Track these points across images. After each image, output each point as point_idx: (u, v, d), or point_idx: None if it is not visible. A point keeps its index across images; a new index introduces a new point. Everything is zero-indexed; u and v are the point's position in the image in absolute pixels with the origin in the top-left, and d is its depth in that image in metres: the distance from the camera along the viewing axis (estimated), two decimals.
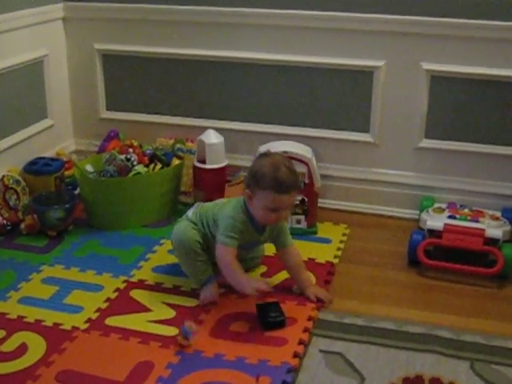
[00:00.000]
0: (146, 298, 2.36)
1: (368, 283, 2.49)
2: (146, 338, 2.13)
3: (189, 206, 2.99)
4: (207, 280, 2.34)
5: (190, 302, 2.33)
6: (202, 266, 2.33)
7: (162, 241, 2.77)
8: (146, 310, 2.29)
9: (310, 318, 2.23)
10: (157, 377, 1.94)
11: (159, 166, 2.95)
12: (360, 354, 2.06)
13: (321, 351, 2.07)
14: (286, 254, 2.39)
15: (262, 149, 2.81)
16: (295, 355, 2.04)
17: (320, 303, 2.32)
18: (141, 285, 2.44)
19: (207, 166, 2.90)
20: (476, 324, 2.25)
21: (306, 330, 2.17)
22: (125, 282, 2.46)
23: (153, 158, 2.99)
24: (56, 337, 2.13)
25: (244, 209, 2.27)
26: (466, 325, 2.24)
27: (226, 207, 2.32)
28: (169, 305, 2.31)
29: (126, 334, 2.15)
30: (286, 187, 2.15)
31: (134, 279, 2.48)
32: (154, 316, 2.25)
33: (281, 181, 2.14)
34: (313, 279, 2.45)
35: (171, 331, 2.16)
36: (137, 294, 2.38)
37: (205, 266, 2.34)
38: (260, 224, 2.29)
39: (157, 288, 2.42)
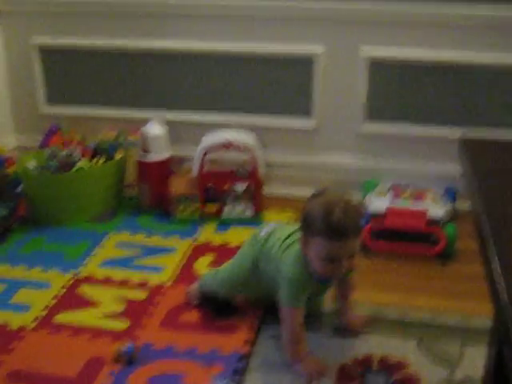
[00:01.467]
0: (95, 293, 2.34)
1: None
2: (96, 333, 2.12)
3: (134, 199, 3.01)
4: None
5: (138, 295, 2.32)
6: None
7: (108, 234, 2.75)
8: (95, 305, 2.27)
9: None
10: (109, 371, 1.94)
11: (103, 159, 2.92)
12: (310, 338, 2.09)
13: (272, 337, 2.09)
14: (343, 283, 2.11)
15: (206, 139, 2.82)
16: (246, 343, 2.06)
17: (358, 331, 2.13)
18: (89, 280, 2.42)
19: (151, 158, 2.89)
20: (422, 302, 2.31)
21: (256, 317, 2.19)
22: (72, 278, 2.44)
23: (96, 152, 2.97)
24: (3, 337, 2.11)
25: (303, 262, 1.92)
26: (412, 303, 2.29)
27: (287, 259, 1.96)
28: (118, 299, 2.30)
29: (75, 330, 2.13)
30: (341, 233, 1.78)
31: (81, 275, 2.46)
32: (104, 311, 2.24)
33: (334, 225, 1.77)
34: None
35: (121, 325, 2.15)
36: (85, 290, 2.36)
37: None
38: (321, 276, 1.94)
39: (105, 282, 2.41)
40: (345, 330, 2.12)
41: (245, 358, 1.99)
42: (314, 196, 1.90)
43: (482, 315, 2.14)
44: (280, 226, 2.15)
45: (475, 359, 1.96)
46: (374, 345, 2.06)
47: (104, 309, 2.25)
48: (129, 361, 1.97)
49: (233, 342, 2.06)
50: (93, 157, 2.94)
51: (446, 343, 2.08)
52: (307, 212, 1.85)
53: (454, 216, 2.76)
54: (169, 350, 2.03)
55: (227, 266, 2.21)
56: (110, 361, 1.98)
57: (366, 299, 2.30)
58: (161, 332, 2.12)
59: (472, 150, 1.13)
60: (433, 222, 2.61)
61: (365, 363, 1.98)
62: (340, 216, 1.77)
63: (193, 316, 2.20)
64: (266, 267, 2.05)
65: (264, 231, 2.12)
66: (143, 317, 2.20)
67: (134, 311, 2.23)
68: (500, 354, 1.17)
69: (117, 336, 2.09)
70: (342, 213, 1.77)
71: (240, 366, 1.95)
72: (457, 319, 2.20)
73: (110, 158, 2.95)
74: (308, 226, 1.84)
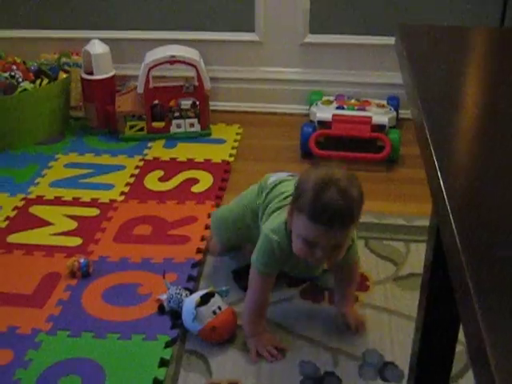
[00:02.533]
0: (46, 212, 2.35)
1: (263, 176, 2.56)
2: (50, 250, 2.14)
3: (80, 120, 2.99)
4: None
5: (90, 212, 2.34)
6: None
7: (56, 156, 2.74)
8: (48, 224, 2.29)
9: (210, 216, 2.28)
10: (65, 286, 1.97)
11: (46, 81, 2.88)
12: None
13: None
14: (345, 269, 1.81)
15: (150, 55, 2.80)
16: (198, 251, 2.10)
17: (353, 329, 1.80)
18: (39, 200, 2.43)
19: (95, 77, 2.86)
20: (368, 206, 2.33)
21: (207, 227, 2.23)
22: (23, 199, 2.44)
23: (38, 74, 2.92)
24: None
25: (287, 231, 1.66)
26: None
27: (275, 220, 1.73)
28: (70, 217, 2.32)
29: (29, 249, 2.15)
30: (327, 217, 1.48)
31: (32, 196, 2.46)
32: (56, 229, 2.26)
33: (321, 206, 1.48)
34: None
35: (75, 241, 2.18)
36: (36, 210, 2.37)
37: None
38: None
39: (56, 202, 2.42)
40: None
41: (198, 265, 2.04)
42: (313, 166, 1.70)
43: (425, 216, 2.21)
44: (289, 178, 1.90)
45: (419, 256, 2.04)
46: None
47: (57, 227, 2.27)
48: (84, 274, 2.00)
49: (186, 251, 2.10)
50: (35, 79, 2.89)
51: (392, 242, 2.16)
52: (300, 181, 1.57)
53: (398, 123, 2.82)
54: (123, 262, 2.07)
55: (231, 205, 2.05)
56: (65, 276, 2.01)
57: None
58: (115, 246, 2.15)
59: (408, 35, 1.15)
60: (377, 129, 2.67)
61: None
62: (333, 197, 1.47)
63: (146, 229, 2.23)
64: (262, 219, 1.85)
65: (273, 179, 1.92)
66: (96, 232, 2.22)
67: (87, 227, 2.25)
68: (437, 249, 1.24)
69: (71, 252, 2.11)
70: (336, 194, 1.47)
71: (194, 273, 2.00)
72: (401, 220, 2.28)
73: (53, 79, 2.91)
74: (296, 197, 1.56)
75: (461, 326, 1.30)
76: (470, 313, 0.60)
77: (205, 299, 1.75)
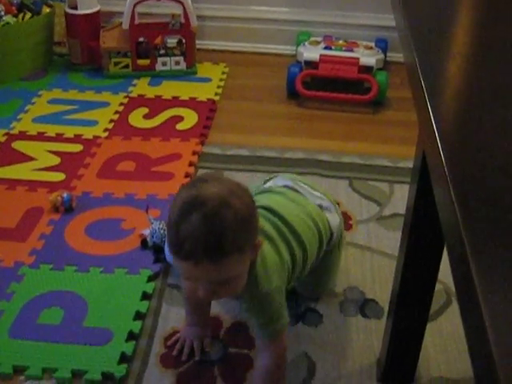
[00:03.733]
0: (29, 148, 2.32)
1: (249, 117, 2.55)
2: (33, 185, 2.12)
3: (64, 56, 2.94)
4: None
5: (74, 148, 2.32)
6: None
7: (40, 92, 2.70)
8: (30, 159, 2.26)
9: (194, 153, 2.27)
10: (47, 220, 1.96)
11: (29, 15, 2.82)
12: (245, 182, 2.12)
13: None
14: (260, 350, 1.43)
15: None
16: None
17: None
18: (22, 136, 2.40)
19: (79, 12, 2.80)
20: (353, 147, 2.37)
21: (191, 164, 2.22)
22: (5, 134, 2.40)
23: (21, 8, 2.86)
24: None
25: None
26: (344, 148, 2.35)
27: None
28: (53, 152, 2.29)
29: (11, 184, 2.13)
30: (187, 251, 1.16)
31: (14, 131, 2.43)
32: (39, 164, 2.23)
33: (179, 237, 1.16)
34: None
35: (58, 177, 2.16)
36: (19, 146, 2.34)
37: None
38: None
39: (39, 137, 2.39)
40: None
41: None
42: (194, 181, 1.40)
43: (410, 158, 2.21)
44: (281, 190, 1.59)
45: (403, 197, 2.04)
46: None
47: (39, 163, 2.24)
48: (67, 209, 1.99)
49: (169, 187, 2.09)
50: (18, 13, 2.83)
51: (377, 183, 2.17)
52: (171, 204, 1.23)
53: (385, 66, 2.80)
54: (107, 198, 2.06)
55: None
56: (48, 210, 2.00)
57: (299, 146, 2.35)
58: (98, 181, 2.14)
59: None
60: (365, 70, 2.65)
61: None
62: (193, 225, 1.14)
63: (130, 165, 2.22)
64: None
65: (267, 185, 1.64)
66: (79, 168, 2.21)
67: (70, 163, 2.23)
68: (420, 190, 1.24)
69: (54, 187, 2.09)
70: (198, 221, 1.14)
71: None
72: (386, 161, 2.28)
73: (36, 13, 2.85)
74: (167, 224, 1.23)
75: (440, 266, 1.32)
76: (456, 236, 0.60)
77: None
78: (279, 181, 1.64)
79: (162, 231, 1.82)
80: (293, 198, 1.57)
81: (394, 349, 1.46)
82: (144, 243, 1.85)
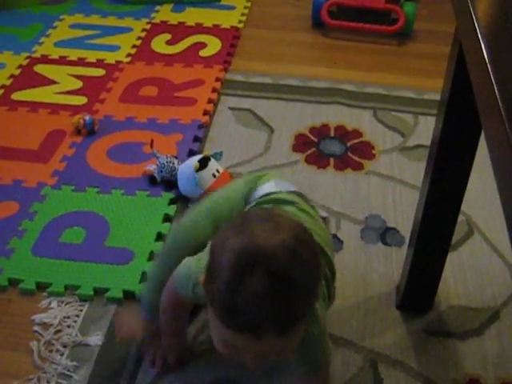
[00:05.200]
0: (51, 71, 2.31)
1: (274, 45, 2.51)
2: (55, 108, 2.11)
3: None
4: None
5: (96, 73, 2.30)
6: None
7: (61, 17, 2.67)
8: (53, 82, 2.25)
9: (217, 79, 2.25)
10: (70, 143, 1.96)
11: None
12: (268, 109, 2.12)
13: (230, 108, 2.13)
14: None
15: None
16: (205, 113, 2.09)
17: None
18: (44, 60, 2.38)
19: None
20: (378, 78, 2.33)
21: (214, 90, 2.20)
22: (27, 58, 2.39)
23: None
24: None
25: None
26: (369, 79, 2.32)
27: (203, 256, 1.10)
28: (75, 76, 2.28)
29: (34, 106, 2.13)
30: (249, 324, 0.90)
31: (36, 55, 2.41)
32: (61, 88, 2.22)
33: (237, 306, 0.89)
34: None
35: (80, 100, 2.15)
36: (41, 69, 2.33)
37: None
38: None
39: (61, 61, 2.37)
40: None
41: (204, 126, 2.03)
42: (242, 223, 0.96)
43: (435, 90, 2.18)
44: (287, 198, 1.25)
45: (427, 129, 2.02)
46: (330, 114, 2.11)
47: (62, 86, 2.23)
48: (89, 132, 1.98)
49: (192, 112, 2.08)
50: None
51: (401, 114, 2.14)
52: (213, 248, 0.96)
53: None
54: (129, 122, 2.05)
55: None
56: (70, 133, 2.00)
57: (323, 75, 2.32)
58: (120, 105, 2.13)
59: None
60: (392, 0, 2.59)
61: (321, 131, 2.03)
62: (256, 291, 0.87)
63: (152, 90, 2.20)
64: None
65: (262, 190, 1.28)
66: (102, 92, 2.19)
67: (93, 87, 2.22)
68: (446, 123, 1.23)
69: (76, 110, 2.09)
70: (263, 285, 0.87)
71: (200, 134, 1.99)
72: (411, 93, 2.24)
73: None
74: (209, 274, 0.95)
75: (464, 197, 1.31)
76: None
77: (203, 163, 1.72)
78: (281, 184, 1.30)
79: (171, 164, 1.78)
80: (314, 214, 1.28)
81: (413, 277, 1.46)
82: (152, 179, 1.80)
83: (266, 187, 1.27)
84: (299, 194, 1.29)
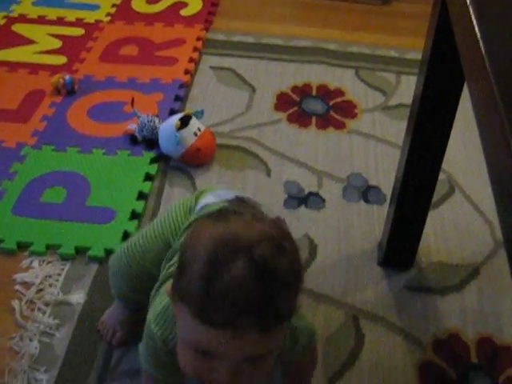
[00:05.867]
0: (30, 31, 2.27)
1: (256, 4, 2.49)
2: (34, 68, 2.09)
3: None
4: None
5: (75, 32, 2.27)
6: None
7: None
8: (31, 42, 2.22)
9: (198, 38, 2.23)
10: (49, 102, 1.94)
11: None
12: (250, 69, 2.11)
13: (211, 68, 2.11)
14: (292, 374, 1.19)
15: None
16: (186, 72, 2.07)
17: None
18: (22, 19, 2.34)
19: None
20: (361, 37, 2.32)
21: (195, 49, 2.18)
22: (5, 17, 2.35)
23: None
24: None
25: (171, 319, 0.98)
26: (352, 38, 2.31)
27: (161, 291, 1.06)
28: (54, 36, 2.25)
29: (13, 66, 2.10)
30: (226, 317, 0.79)
31: (14, 14, 2.37)
32: (40, 47, 2.19)
33: (215, 298, 0.79)
34: None
35: (59, 60, 2.12)
36: (19, 28, 2.29)
37: None
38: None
39: (40, 21, 2.33)
40: None
41: (185, 86, 2.01)
42: (219, 214, 0.89)
43: (417, 50, 2.17)
44: (217, 201, 1.14)
45: (409, 88, 2.01)
46: (312, 73, 2.10)
47: (40, 46, 2.20)
48: (69, 91, 1.96)
49: (173, 72, 2.06)
50: None
51: (383, 73, 2.13)
52: (187, 241, 0.88)
53: None
54: (109, 81, 2.03)
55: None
56: (50, 93, 1.97)
57: (306, 34, 2.30)
58: (100, 65, 2.10)
59: None
60: None
61: (303, 90, 2.02)
62: (238, 281, 0.79)
63: (133, 49, 2.18)
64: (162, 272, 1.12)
65: (201, 204, 1.16)
66: (81, 52, 2.17)
67: (72, 47, 2.19)
68: (427, 82, 1.23)
69: (55, 70, 2.06)
70: (245, 275, 0.79)
71: (181, 93, 1.97)
72: (393, 52, 2.23)
73: None
74: (179, 273, 0.86)
75: (444, 156, 1.31)
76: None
77: (184, 121, 1.71)
78: (219, 194, 1.17)
79: (152, 123, 1.76)
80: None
81: (395, 234, 1.46)
82: (133, 139, 1.79)
83: (204, 201, 1.16)
84: (240, 200, 1.13)
